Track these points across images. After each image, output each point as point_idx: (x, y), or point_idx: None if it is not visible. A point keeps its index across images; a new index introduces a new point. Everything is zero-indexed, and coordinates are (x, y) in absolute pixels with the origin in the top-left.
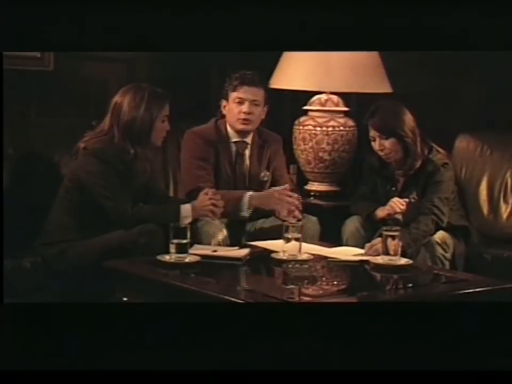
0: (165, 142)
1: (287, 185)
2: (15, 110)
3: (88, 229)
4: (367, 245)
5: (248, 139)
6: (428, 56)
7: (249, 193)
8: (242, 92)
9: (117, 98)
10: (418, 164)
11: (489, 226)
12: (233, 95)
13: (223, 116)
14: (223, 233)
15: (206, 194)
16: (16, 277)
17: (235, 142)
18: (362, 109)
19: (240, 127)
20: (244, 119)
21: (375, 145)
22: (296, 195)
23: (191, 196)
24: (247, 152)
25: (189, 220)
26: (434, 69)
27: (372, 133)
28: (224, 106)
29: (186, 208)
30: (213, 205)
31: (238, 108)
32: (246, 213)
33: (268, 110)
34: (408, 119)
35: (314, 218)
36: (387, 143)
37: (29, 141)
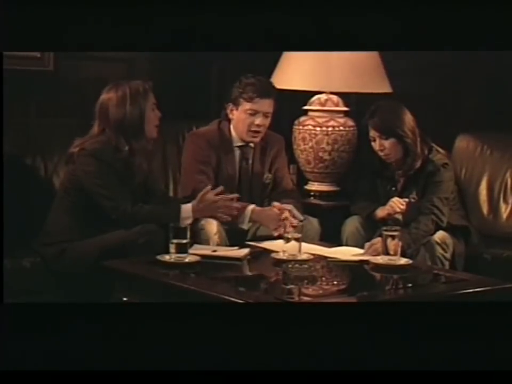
0: (160, 132)
1: (291, 207)
2: (15, 110)
3: (88, 229)
4: (367, 244)
5: (252, 143)
6: (427, 56)
7: (252, 206)
8: (257, 105)
9: (100, 100)
10: (418, 164)
11: (489, 226)
12: (247, 106)
13: (228, 119)
14: (221, 233)
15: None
16: (16, 277)
17: (239, 146)
18: (362, 109)
19: (249, 138)
20: (255, 131)
21: (375, 145)
22: (298, 219)
23: (189, 199)
24: (251, 155)
25: (189, 221)
26: (434, 69)
27: (372, 133)
28: (232, 110)
29: (186, 209)
30: (222, 207)
31: (250, 119)
32: (246, 226)
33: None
34: (408, 119)
35: (315, 220)
36: (387, 143)
37: (29, 141)
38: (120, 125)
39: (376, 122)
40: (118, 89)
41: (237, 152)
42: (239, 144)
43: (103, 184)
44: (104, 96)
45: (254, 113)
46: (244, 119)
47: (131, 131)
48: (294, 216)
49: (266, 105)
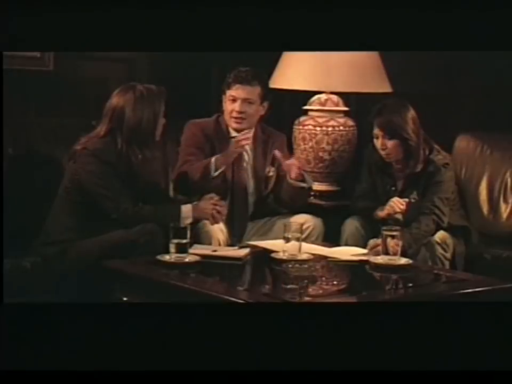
0: (163, 136)
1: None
2: (15, 110)
3: (88, 229)
4: (371, 241)
5: (236, 130)
6: (428, 56)
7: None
8: (235, 90)
9: (114, 101)
10: (419, 167)
11: (489, 226)
12: (228, 93)
13: (223, 110)
14: (223, 233)
15: (211, 198)
16: (16, 277)
17: (234, 137)
18: (362, 109)
19: (234, 125)
20: (236, 118)
21: (377, 143)
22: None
23: (177, 180)
24: (248, 147)
25: (189, 220)
26: (434, 69)
27: (376, 130)
28: (225, 102)
29: (186, 209)
30: (215, 210)
31: (231, 106)
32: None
33: (268, 106)
34: (414, 120)
35: (318, 220)
36: (390, 143)
37: (29, 141)
38: (136, 131)
39: (382, 121)
40: (135, 93)
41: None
42: (235, 135)
43: (104, 184)
44: (118, 98)
45: (234, 99)
46: (227, 106)
47: (145, 139)
48: (305, 180)
49: (244, 91)
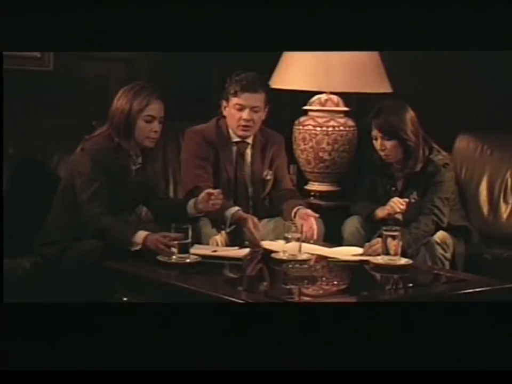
0: (157, 144)
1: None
2: (15, 110)
3: (87, 229)
4: (366, 244)
5: (250, 139)
6: (427, 56)
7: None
8: (242, 99)
9: (115, 102)
10: (419, 167)
11: (489, 226)
12: (234, 100)
13: (224, 116)
14: (221, 234)
15: (164, 236)
16: (16, 277)
17: (236, 142)
18: (362, 109)
19: (240, 133)
20: (244, 126)
21: (377, 144)
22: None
23: (190, 196)
24: (249, 151)
25: (138, 247)
26: (434, 69)
27: (375, 132)
28: (225, 107)
29: (139, 236)
30: (163, 245)
31: (238, 114)
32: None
33: (268, 110)
34: (413, 121)
35: (318, 220)
36: (388, 144)
37: (29, 141)
38: (112, 118)
39: (380, 122)
40: (129, 87)
41: (234, 149)
42: (236, 140)
43: (87, 188)
44: (120, 99)
45: (241, 107)
46: (233, 114)
47: (117, 127)
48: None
49: (252, 99)
